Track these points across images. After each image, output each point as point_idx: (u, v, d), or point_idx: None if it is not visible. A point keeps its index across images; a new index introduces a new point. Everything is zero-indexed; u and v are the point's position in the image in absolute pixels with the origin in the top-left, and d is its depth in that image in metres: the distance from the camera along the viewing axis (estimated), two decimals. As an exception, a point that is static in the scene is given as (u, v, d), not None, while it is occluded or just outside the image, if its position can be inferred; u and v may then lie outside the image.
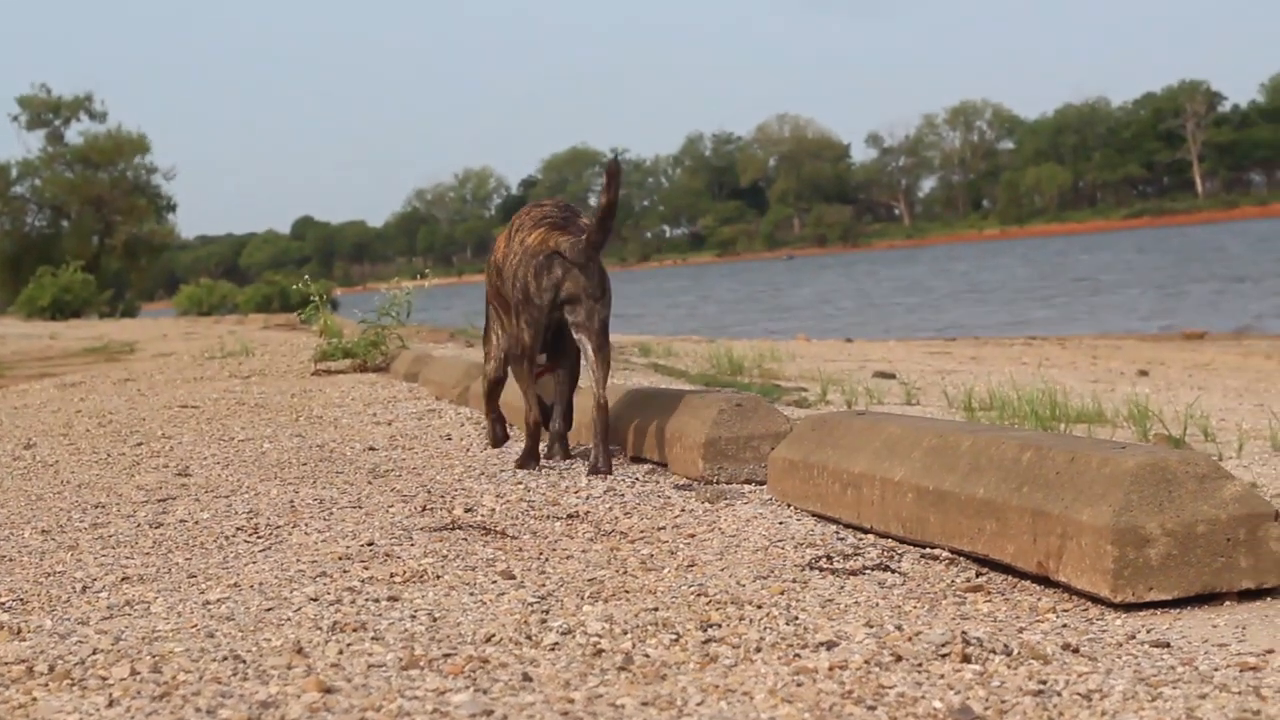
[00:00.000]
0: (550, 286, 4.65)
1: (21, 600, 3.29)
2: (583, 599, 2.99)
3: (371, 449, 5.87)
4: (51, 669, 2.61)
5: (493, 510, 4.10)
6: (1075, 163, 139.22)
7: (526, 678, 2.45)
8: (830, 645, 2.55)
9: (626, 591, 3.05)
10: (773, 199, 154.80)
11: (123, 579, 3.47)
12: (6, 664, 2.66)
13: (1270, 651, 2.44)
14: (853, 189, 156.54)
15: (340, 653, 2.64)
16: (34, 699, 2.45)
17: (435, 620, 2.85)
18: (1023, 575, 3.02)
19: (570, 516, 3.97)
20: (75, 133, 68.34)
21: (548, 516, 3.98)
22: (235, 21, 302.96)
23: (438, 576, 3.27)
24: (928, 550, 3.29)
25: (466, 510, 4.11)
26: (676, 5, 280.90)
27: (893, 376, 9.40)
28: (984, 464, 3.20)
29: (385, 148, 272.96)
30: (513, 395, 5.36)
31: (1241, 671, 2.34)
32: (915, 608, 2.84)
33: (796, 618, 2.75)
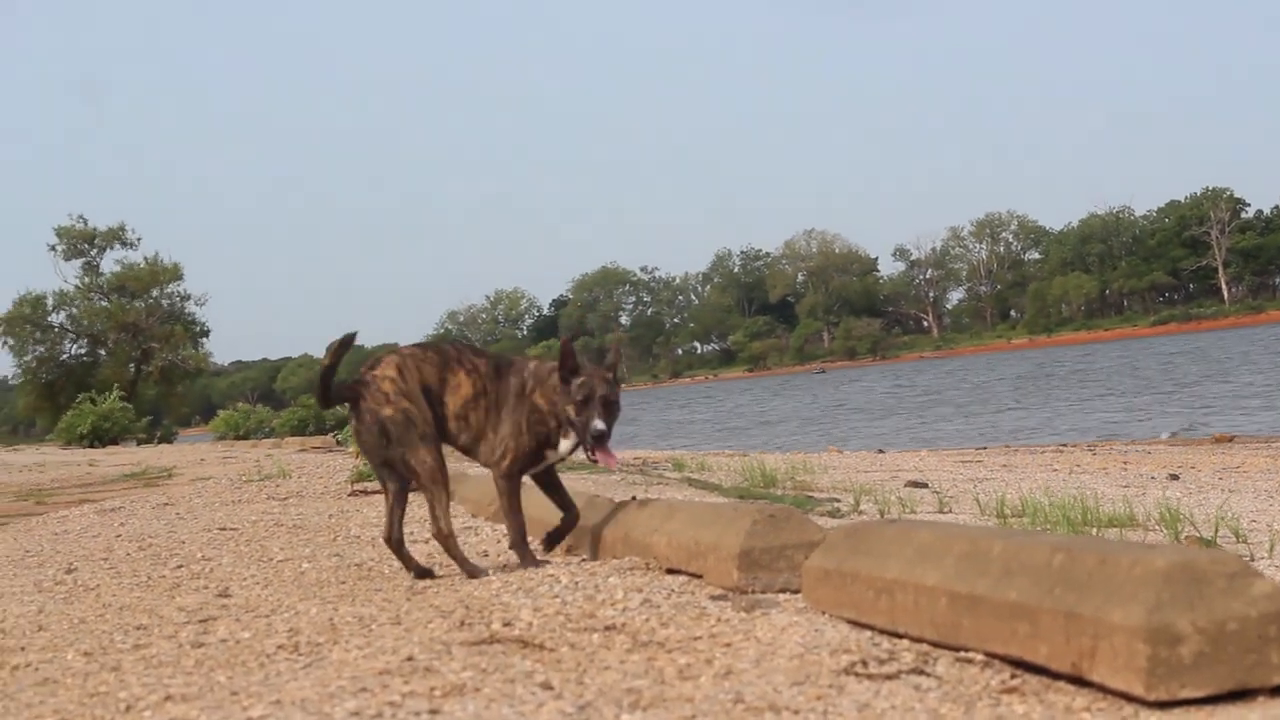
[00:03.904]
0: None
1: (68, 720, 3.34)
2: (621, 708, 3.02)
3: (408, 567, 5.90)
4: (101, 784, 2.65)
5: (530, 624, 4.13)
6: (1101, 271, 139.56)
7: (568, 784, 2.48)
8: (867, 748, 2.58)
9: (664, 700, 3.08)
10: (802, 313, 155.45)
11: (166, 698, 3.51)
12: (57, 780, 2.70)
13: (1304, 746, 2.46)
14: (881, 302, 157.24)
15: (384, 764, 2.67)
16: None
17: (476, 731, 2.88)
18: (1057, 676, 3.04)
19: (607, 628, 4.00)
20: (111, 261, 69.61)
21: (585, 629, 4.01)
22: (265, 147, 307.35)
23: (477, 689, 3.30)
24: (962, 654, 3.31)
25: (504, 624, 4.15)
26: (703, 124, 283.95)
27: (925, 486, 9.43)
28: (1015, 568, 3.24)
29: (418, 270, 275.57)
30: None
31: (1275, 766, 2.36)
32: (951, 710, 2.87)
33: (833, 722, 2.78)
